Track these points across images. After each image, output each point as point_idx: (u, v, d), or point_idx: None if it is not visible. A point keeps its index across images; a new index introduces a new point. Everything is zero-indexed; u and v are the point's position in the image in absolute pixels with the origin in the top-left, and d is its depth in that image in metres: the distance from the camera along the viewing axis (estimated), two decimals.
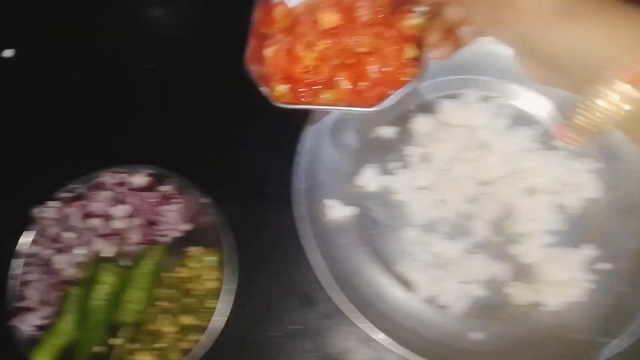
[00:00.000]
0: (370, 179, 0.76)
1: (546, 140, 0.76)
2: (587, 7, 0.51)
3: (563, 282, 0.68)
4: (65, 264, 0.74)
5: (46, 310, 0.73)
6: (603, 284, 0.68)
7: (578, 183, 0.73)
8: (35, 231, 0.77)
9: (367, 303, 0.68)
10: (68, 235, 0.75)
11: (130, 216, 0.76)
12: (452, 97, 0.79)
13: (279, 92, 0.63)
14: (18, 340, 0.71)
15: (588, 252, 0.70)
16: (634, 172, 0.73)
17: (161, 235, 0.77)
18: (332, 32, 0.62)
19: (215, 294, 0.72)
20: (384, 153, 0.79)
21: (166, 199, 0.77)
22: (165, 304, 0.74)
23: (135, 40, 0.82)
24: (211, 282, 0.74)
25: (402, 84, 0.61)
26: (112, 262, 0.74)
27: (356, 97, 0.63)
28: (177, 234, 0.78)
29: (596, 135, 0.51)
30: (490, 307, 0.69)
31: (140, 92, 0.82)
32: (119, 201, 0.76)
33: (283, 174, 0.73)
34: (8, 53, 0.81)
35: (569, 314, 0.67)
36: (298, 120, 0.75)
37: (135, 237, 0.76)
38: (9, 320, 0.72)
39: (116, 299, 0.72)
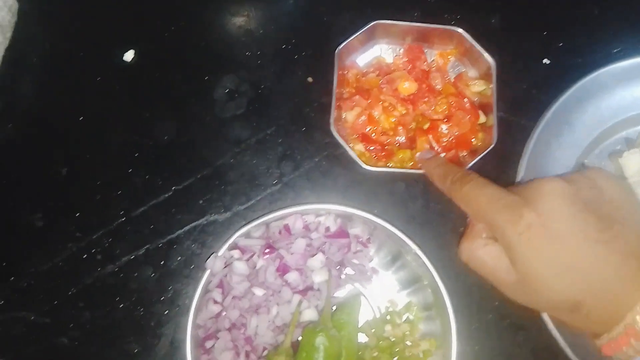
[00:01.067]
0: None
1: None
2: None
3: None
4: (262, 329, 0.62)
5: None
6: None
7: None
8: (215, 289, 0.63)
9: None
10: (261, 293, 0.62)
11: (325, 267, 0.64)
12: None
13: (357, 150, 0.67)
14: None
15: None
16: None
17: (354, 286, 0.68)
18: (410, 99, 0.69)
19: (431, 354, 0.65)
20: None
21: (359, 241, 0.67)
22: None
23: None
24: (424, 343, 0.65)
25: (473, 146, 0.69)
26: (319, 324, 0.61)
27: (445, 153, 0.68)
28: (368, 284, 0.69)
29: None
30: None
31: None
32: (313, 249, 0.64)
33: None
34: (129, 56, 0.73)
35: None
36: None
37: (331, 290, 0.64)
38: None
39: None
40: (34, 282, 0.65)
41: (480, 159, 0.68)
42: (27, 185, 0.68)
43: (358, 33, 0.71)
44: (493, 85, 0.70)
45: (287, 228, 0.65)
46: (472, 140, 0.69)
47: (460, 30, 0.71)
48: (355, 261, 0.67)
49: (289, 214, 0.65)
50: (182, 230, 0.67)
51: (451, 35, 0.72)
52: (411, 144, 0.69)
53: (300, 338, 0.62)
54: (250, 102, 0.74)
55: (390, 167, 0.69)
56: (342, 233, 0.66)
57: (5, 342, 0.63)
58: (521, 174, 0.68)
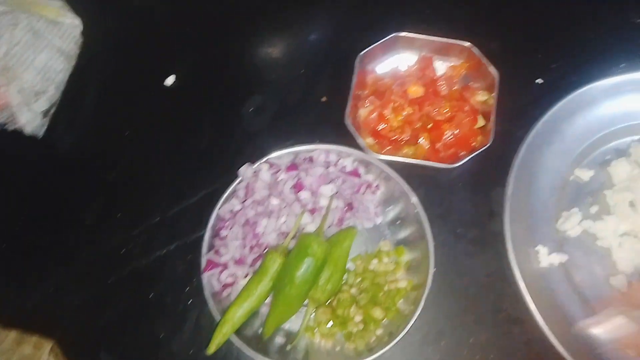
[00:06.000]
0: (574, 223, 0.76)
1: None
2: None
3: None
4: (269, 229, 0.73)
5: (238, 270, 0.72)
6: None
7: None
8: (242, 189, 0.75)
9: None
10: (276, 202, 0.73)
11: (335, 196, 0.75)
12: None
13: (368, 143, 0.77)
14: (206, 291, 0.71)
15: None
16: None
17: (355, 221, 0.77)
18: (417, 101, 0.79)
19: (402, 293, 0.73)
20: (584, 197, 0.79)
21: (369, 187, 0.77)
22: (354, 291, 0.73)
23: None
24: (402, 282, 0.74)
25: (472, 147, 0.77)
26: (317, 236, 0.71)
27: (432, 155, 0.78)
28: (370, 224, 0.78)
29: None
30: None
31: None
32: (328, 180, 0.75)
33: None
34: (170, 81, 0.87)
35: None
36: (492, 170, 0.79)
37: (334, 218, 0.75)
38: (201, 272, 0.71)
39: (317, 273, 0.70)
40: (82, 269, 0.76)
41: (477, 160, 0.77)
42: (81, 188, 0.81)
43: (378, 42, 0.83)
44: (495, 94, 0.80)
45: (311, 158, 0.77)
46: (472, 142, 0.77)
47: (469, 45, 0.83)
48: (362, 201, 0.77)
49: (315, 148, 0.77)
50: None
51: (462, 50, 0.84)
52: (415, 140, 0.79)
53: None
54: (274, 118, 0.86)
55: (394, 157, 0.77)
56: (355, 173, 0.78)
57: (52, 321, 0.73)
58: (512, 177, 0.76)
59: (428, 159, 0.79)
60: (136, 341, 0.73)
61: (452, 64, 0.85)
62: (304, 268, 0.69)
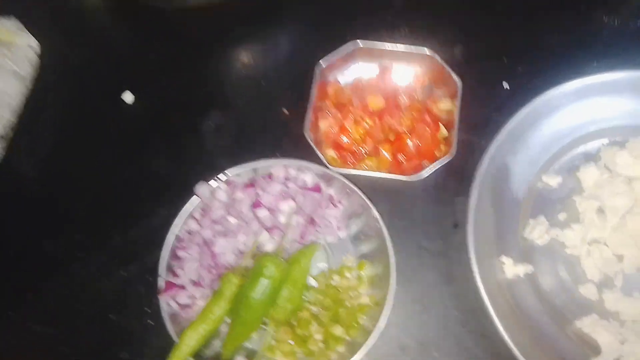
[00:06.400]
0: (541, 232, 0.74)
1: None
2: None
3: None
4: (227, 249, 0.72)
5: (196, 291, 0.71)
6: None
7: None
8: (198, 209, 0.74)
9: None
10: (234, 221, 0.72)
11: (294, 213, 0.73)
12: (616, 144, 0.78)
13: (329, 156, 0.77)
14: (163, 313, 0.70)
15: None
16: None
17: (317, 237, 0.76)
18: (378, 112, 0.78)
19: (365, 310, 0.71)
20: (552, 204, 0.77)
21: (331, 201, 0.76)
22: (315, 309, 0.72)
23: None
24: (365, 297, 0.72)
25: (435, 158, 0.75)
26: (275, 256, 0.70)
27: (395, 167, 0.77)
28: (333, 239, 0.76)
29: None
30: None
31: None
32: (287, 196, 0.74)
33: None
34: (128, 98, 0.86)
35: None
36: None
37: (294, 234, 0.74)
38: (157, 293, 0.70)
39: (274, 292, 0.69)
40: (44, 295, 0.75)
41: (440, 171, 0.76)
42: (40, 211, 0.80)
43: (338, 51, 0.82)
44: (457, 102, 0.79)
45: (270, 174, 0.76)
46: (434, 152, 0.77)
47: (430, 53, 0.82)
48: (324, 216, 0.76)
49: (275, 163, 0.76)
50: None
51: (423, 57, 0.82)
52: (377, 152, 0.78)
53: None
54: (233, 133, 0.84)
55: (355, 170, 0.77)
56: (317, 188, 0.76)
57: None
58: (476, 186, 0.74)
59: (391, 171, 0.78)
60: None
61: (414, 72, 0.84)
62: (260, 289, 0.68)
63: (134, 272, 0.75)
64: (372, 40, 0.82)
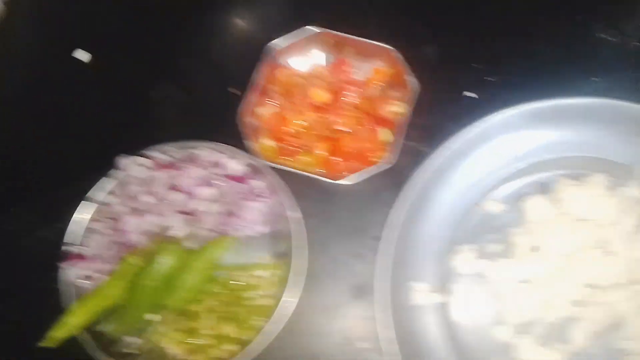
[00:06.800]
0: (466, 261, 0.68)
1: None
2: None
3: None
4: (135, 228, 0.70)
5: (99, 265, 0.70)
6: None
7: None
8: (115, 182, 0.73)
9: None
10: (147, 199, 0.70)
11: (213, 201, 0.70)
12: (575, 178, 0.69)
13: (264, 145, 0.73)
14: (62, 283, 0.69)
15: None
16: None
17: (235, 230, 0.72)
18: (321, 108, 0.73)
19: (265, 312, 0.67)
20: (487, 233, 0.70)
21: (254, 194, 0.72)
22: (212, 303, 0.69)
23: None
24: (266, 299, 0.69)
25: (373, 163, 0.70)
26: (178, 242, 0.69)
27: (330, 167, 0.72)
28: (251, 233, 0.72)
29: None
30: None
31: None
32: (208, 183, 0.70)
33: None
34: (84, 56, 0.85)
35: None
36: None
37: (210, 223, 0.71)
38: (60, 261, 0.69)
39: (171, 280, 0.67)
40: None
41: (376, 178, 0.71)
42: None
43: (291, 34, 0.77)
44: (410, 107, 0.73)
45: (195, 156, 0.73)
46: (373, 157, 0.72)
47: (391, 48, 0.75)
48: (245, 209, 0.72)
49: (203, 146, 0.73)
50: None
51: (383, 53, 0.76)
52: (312, 149, 0.74)
53: None
54: (179, 107, 0.82)
55: (288, 165, 0.73)
56: (242, 179, 0.72)
57: None
58: (402, 201, 0.68)
59: (326, 171, 0.74)
60: None
61: (372, 69, 0.78)
62: (155, 276, 0.67)
63: (43, 238, 0.75)
64: (335, 30, 0.78)
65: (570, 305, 0.64)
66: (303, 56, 0.80)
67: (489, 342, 0.65)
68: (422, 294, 0.67)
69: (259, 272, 0.71)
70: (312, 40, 0.78)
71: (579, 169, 0.71)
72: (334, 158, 0.74)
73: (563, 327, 0.64)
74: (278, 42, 0.77)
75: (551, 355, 0.63)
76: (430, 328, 0.67)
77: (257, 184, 0.73)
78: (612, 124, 0.68)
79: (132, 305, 0.67)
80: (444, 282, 0.68)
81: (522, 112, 0.69)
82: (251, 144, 0.73)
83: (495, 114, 0.69)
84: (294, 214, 0.69)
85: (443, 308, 0.67)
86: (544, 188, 0.71)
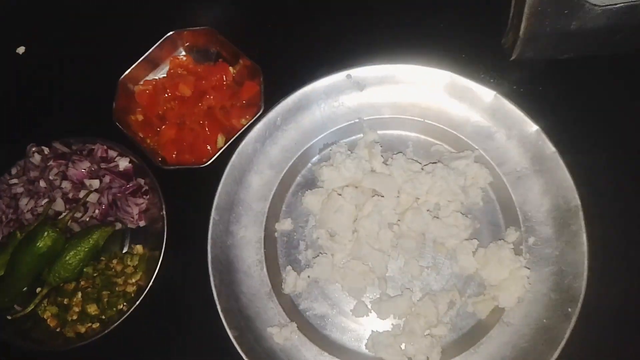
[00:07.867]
0: (295, 280, 0.73)
1: (424, 154, 0.76)
2: None
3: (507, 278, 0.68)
4: (29, 209, 0.79)
5: None
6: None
7: (471, 176, 0.72)
8: (19, 166, 0.82)
9: None
10: (42, 184, 0.79)
11: (100, 191, 0.79)
12: (326, 160, 0.77)
13: (135, 119, 0.84)
14: None
15: (511, 236, 0.70)
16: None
17: (116, 221, 0.80)
18: (182, 100, 0.83)
19: (130, 298, 0.75)
20: (291, 247, 0.77)
21: (138, 191, 0.80)
22: (85, 284, 0.78)
23: None
24: (133, 286, 0.77)
25: (204, 163, 0.78)
26: (62, 225, 0.77)
27: (167, 152, 0.82)
28: (131, 225, 0.81)
29: None
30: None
31: None
32: (97, 175, 0.80)
33: None
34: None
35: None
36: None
37: (94, 212, 0.79)
38: None
39: (51, 259, 0.76)
40: None
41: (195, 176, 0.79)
42: None
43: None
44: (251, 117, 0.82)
45: (90, 151, 0.82)
46: (204, 159, 0.80)
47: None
48: (127, 202, 0.81)
49: (97, 141, 0.82)
50: None
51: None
52: (161, 135, 0.85)
53: None
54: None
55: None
56: (126, 176, 0.81)
57: None
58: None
59: (174, 157, 0.83)
60: None
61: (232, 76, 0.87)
62: (31, 252, 0.75)
63: None
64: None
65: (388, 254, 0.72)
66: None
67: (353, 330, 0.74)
68: (275, 336, 0.72)
69: (127, 261, 0.79)
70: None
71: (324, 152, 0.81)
72: (173, 146, 0.82)
73: (400, 276, 0.74)
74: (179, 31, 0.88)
75: (404, 304, 0.70)
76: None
77: (141, 181, 0.81)
78: None
79: (12, 277, 0.76)
80: (289, 308, 0.75)
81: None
82: (138, 143, 0.81)
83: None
84: (163, 212, 0.77)
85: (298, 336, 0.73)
86: (310, 183, 0.80)
